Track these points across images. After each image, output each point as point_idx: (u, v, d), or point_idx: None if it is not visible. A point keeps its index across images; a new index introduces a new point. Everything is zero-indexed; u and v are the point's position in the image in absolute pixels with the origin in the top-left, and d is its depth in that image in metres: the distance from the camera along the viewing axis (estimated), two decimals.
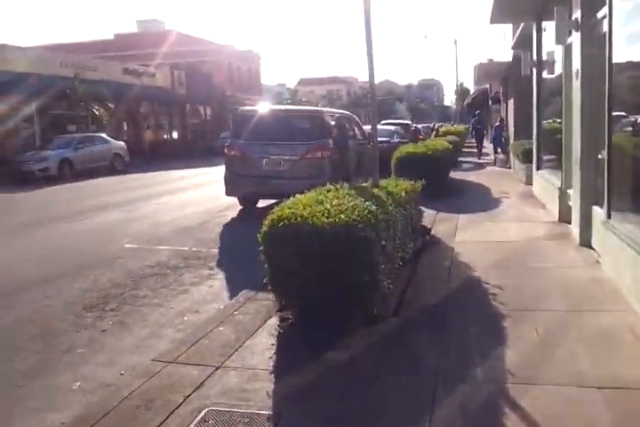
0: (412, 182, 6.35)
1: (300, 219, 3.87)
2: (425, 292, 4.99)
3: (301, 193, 4.70)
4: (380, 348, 3.74)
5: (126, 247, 7.61)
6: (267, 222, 3.98)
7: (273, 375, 3.36)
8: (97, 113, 25.13)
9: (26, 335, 4.47)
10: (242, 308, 4.49)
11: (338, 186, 4.98)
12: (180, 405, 3.00)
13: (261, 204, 10.40)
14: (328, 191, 4.75)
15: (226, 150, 10.29)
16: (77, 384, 3.57)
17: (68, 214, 10.85)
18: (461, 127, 28.48)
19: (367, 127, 10.33)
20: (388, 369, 3.42)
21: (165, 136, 35.69)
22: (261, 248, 4.00)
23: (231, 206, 10.48)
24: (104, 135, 22.77)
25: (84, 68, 26.69)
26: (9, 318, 4.89)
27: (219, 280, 5.92)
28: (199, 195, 13.15)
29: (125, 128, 31.05)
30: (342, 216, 3.86)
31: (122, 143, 23.43)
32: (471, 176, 15.01)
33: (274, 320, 4.22)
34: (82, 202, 12.90)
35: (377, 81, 6.29)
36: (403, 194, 5.42)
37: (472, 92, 42.57)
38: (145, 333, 4.47)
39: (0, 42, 25.24)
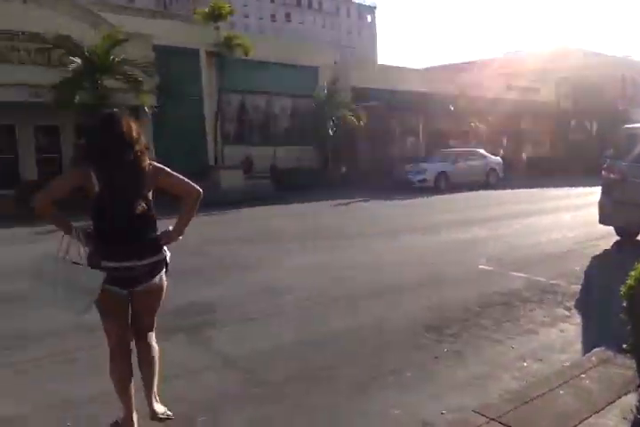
0: None
1: None
2: None
3: None
4: None
5: (479, 269, 7.41)
6: (634, 274, 3.13)
7: None
8: (476, 128, 25.89)
9: (365, 345, 4.64)
10: (591, 370, 3.65)
11: None
12: None
13: None
14: None
15: (604, 172, 8.98)
16: (395, 412, 3.46)
17: (435, 225, 11.42)
18: None
19: None
20: None
21: (544, 152, 34.30)
22: (625, 304, 3.19)
23: (606, 235, 9.15)
24: (482, 151, 23.31)
25: (468, 85, 27.79)
26: (362, 321, 5.25)
27: (574, 325, 5.09)
28: (571, 218, 12.04)
29: (504, 143, 31.13)
30: None
31: (498, 158, 23.59)
32: None
33: (630, 398, 3.27)
34: (450, 215, 13.50)
35: None
36: None
37: None
38: (477, 370, 4.10)
39: (399, 64, 29.02)
